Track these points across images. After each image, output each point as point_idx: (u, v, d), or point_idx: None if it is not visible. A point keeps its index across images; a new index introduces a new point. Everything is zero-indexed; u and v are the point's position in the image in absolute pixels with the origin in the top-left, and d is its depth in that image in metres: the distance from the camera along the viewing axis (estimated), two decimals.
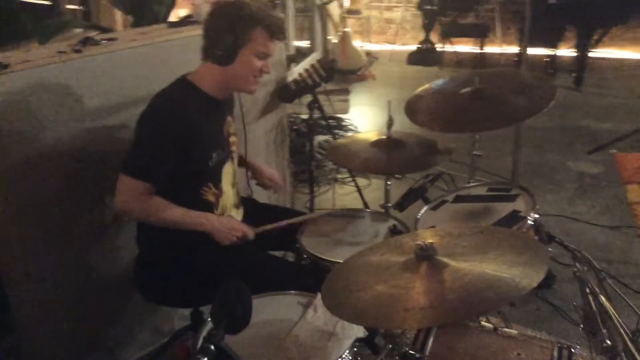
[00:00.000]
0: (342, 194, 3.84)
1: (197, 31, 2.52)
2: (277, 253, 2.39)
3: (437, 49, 7.19)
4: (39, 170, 2.07)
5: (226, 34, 1.96)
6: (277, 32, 2.03)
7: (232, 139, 2.22)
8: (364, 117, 5.41)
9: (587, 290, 1.54)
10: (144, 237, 2.17)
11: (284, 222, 2.19)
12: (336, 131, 4.66)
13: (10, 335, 2.25)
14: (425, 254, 1.48)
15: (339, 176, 4.15)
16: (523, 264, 1.42)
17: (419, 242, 1.49)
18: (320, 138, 4.39)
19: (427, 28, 7.11)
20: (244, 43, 1.97)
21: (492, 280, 1.37)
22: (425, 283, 1.42)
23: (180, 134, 1.96)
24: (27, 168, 2.04)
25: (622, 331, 1.35)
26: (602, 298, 1.42)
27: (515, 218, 2.02)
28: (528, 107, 2.20)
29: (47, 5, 3.98)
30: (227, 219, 2.12)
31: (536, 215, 2.01)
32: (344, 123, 5.02)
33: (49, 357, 2.23)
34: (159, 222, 2.00)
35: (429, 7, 6.78)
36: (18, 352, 2.25)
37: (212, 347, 1.26)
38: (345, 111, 5.35)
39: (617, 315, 1.41)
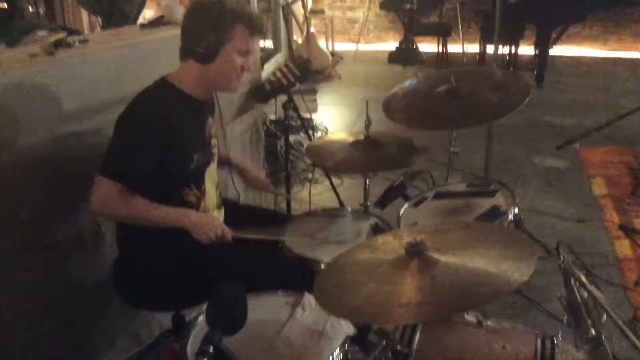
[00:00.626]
0: (316, 194, 3.84)
1: (170, 32, 2.51)
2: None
3: (419, 49, 7.25)
4: (14, 176, 2.02)
5: (207, 32, 1.94)
6: (257, 29, 2.02)
7: (214, 140, 2.21)
8: (332, 117, 5.43)
9: (572, 281, 1.57)
10: (124, 240, 2.15)
11: (261, 237, 2.14)
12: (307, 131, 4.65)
13: None
14: (416, 251, 1.49)
15: (311, 176, 4.15)
16: (512, 257, 1.44)
17: (410, 239, 1.51)
18: (291, 138, 4.38)
19: (407, 27, 7.12)
20: (226, 40, 1.96)
21: (483, 274, 1.39)
22: (418, 279, 1.44)
23: (161, 136, 1.94)
24: (2, 174, 1.99)
25: (616, 318, 1.39)
26: (593, 288, 1.45)
27: (496, 213, 2.05)
28: (503, 104, 2.25)
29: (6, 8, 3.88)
30: (207, 216, 2.10)
31: (516, 210, 2.05)
32: (312, 123, 5.02)
33: None
34: (136, 222, 1.97)
35: (408, 6, 6.82)
36: None
37: (211, 348, 1.25)
38: (314, 111, 5.35)
39: (608, 305, 1.44)
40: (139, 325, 2.56)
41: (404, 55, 7.15)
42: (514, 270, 1.39)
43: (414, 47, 7.22)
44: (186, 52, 2.00)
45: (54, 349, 2.26)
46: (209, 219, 2.06)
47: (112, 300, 2.29)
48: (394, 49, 7.41)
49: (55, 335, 2.25)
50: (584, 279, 1.47)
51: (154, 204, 1.97)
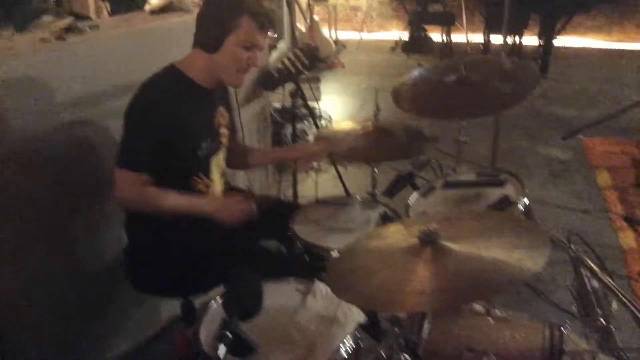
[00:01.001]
0: (321, 182, 3.83)
1: (179, 18, 2.51)
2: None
3: (433, 38, 7.19)
4: (24, 162, 2.03)
5: (213, 20, 1.94)
6: (265, 22, 1.99)
7: (223, 130, 2.20)
8: (336, 106, 5.43)
9: (583, 271, 1.59)
10: (133, 227, 2.16)
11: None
12: (309, 119, 4.65)
13: None
14: (430, 239, 1.50)
15: (316, 164, 4.14)
16: (526, 247, 1.45)
17: (424, 227, 1.51)
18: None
19: (421, 16, 7.05)
20: (230, 30, 1.95)
21: (498, 263, 1.40)
22: (432, 267, 1.44)
23: (168, 124, 1.94)
24: (13, 159, 1.99)
25: (629, 304, 1.40)
26: (607, 277, 1.46)
27: (506, 203, 2.06)
28: (513, 93, 2.24)
29: None
30: (225, 199, 2.12)
31: (526, 200, 2.06)
32: (316, 111, 5.02)
33: (36, 348, 2.19)
34: (159, 210, 1.97)
35: None
36: (2, 344, 2.20)
37: (229, 334, 1.27)
38: (317, 99, 5.34)
39: (622, 291, 1.46)
40: (148, 311, 2.57)
41: (417, 44, 7.10)
42: (528, 259, 1.40)
43: (426, 36, 7.18)
44: (195, 40, 2.01)
45: (62, 335, 2.27)
46: (227, 202, 2.07)
47: (121, 286, 2.30)
48: (397, 37, 7.39)
49: (64, 321, 2.26)
50: (596, 268, 1.47)
51: (172, 193, 1.98)
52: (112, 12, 3.10)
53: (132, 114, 1.97)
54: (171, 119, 1.95)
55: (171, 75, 2.02)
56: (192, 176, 2.08)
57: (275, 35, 6.42)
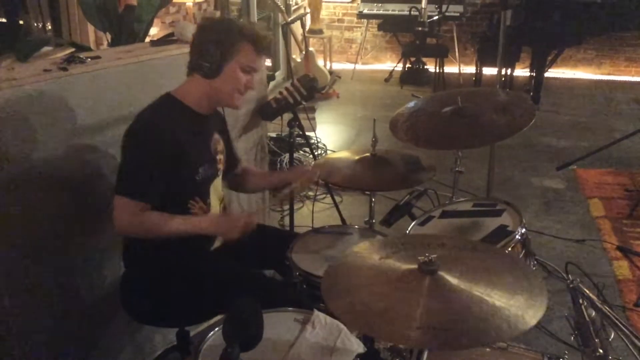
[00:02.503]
0: (317, 211, 3.85)
1: (180, 50, 2.54)
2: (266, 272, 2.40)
3: (430, 70, 7.24)
4: (24, 189, 2.03)
5: (213, 47, 1.99)
6: (263, 47, 2.07)
7: (220, 156, 2.23)
8: (331, 135, 5.47)
9: (581, 301, 1.60)
10: (131, 255, 2.15)
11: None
12: (305, 149, 4.69)
13: None
14: (429, 269, 1.51)
15: (311, 194, 4.17)
16: (525, 291, 1.48)
17: (423, 257, 1.53)
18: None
19: (419, 49, 7.12)
20: (231, 56, 2.01)
21: (500, 312, 1.42)
22: (434, 301, 1.45)
23: (167, 151, 1.96)
24: (12, 187, 2.00)
25: (630, 333, 1.41)
26: (606, 308, 1.48)
27: (503, 233, 2.08)
28: (510, 125, 2.28)
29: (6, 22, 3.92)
30: (223, 216, 2.16)
31: (523, 230, 2.07)
32: (312, 141, 5.05)
33: None
34: (161, 235, 1.97)
35: (420, 28, 6.81)
36: None
37: None
38: (312, 129, 5.39)
39: (622, 322, 1.47)
40: (143, 340, 2.56)
41: (415, 77, 7.18)
42: (528, 308, 1.42)
43: (423, 67, 7.26)
44: (192, 67, 2.05)
45: None
46: (227, 218, 2.13)
47: (117, 313, 2.29)
48: (390, 68, 7.47)
49: (57, 348, 2.24)
50: (594, 298, 1.49)
51: (173, 216, 1.99)
52: (112, 43, 3.13)
53: (129, 142, 1.99)
54: (169, 145, 1.97)
55: (167, 103, 2.06)
56: (188, 200, 2.09)
57: (271, 64, 6.54)
